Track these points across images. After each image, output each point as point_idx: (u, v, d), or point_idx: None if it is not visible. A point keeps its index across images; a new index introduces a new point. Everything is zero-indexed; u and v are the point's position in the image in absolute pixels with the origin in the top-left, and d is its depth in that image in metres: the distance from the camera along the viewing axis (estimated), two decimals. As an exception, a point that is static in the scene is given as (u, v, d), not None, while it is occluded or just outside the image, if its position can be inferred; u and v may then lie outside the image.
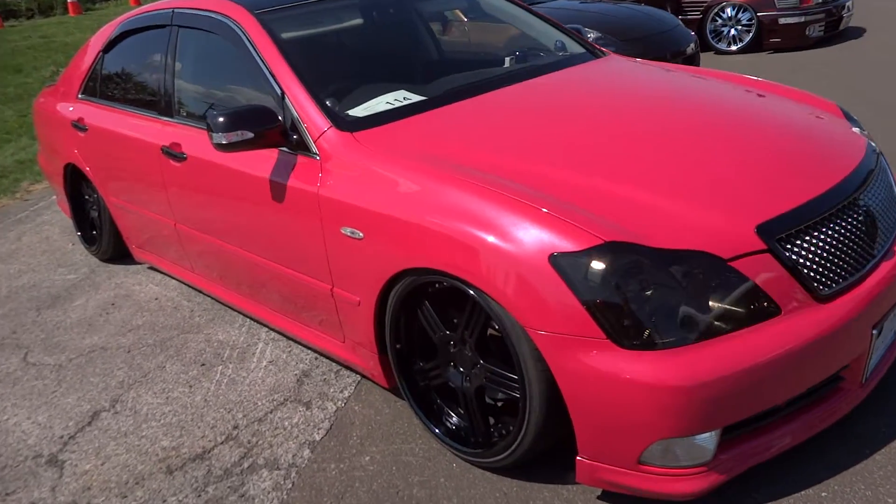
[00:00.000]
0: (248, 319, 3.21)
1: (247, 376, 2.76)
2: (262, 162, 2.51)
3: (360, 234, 2.16)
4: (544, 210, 1.79)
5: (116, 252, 3.99)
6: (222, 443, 2.39)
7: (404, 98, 2.59)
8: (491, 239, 1.81)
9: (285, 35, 2.68)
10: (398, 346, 2.25)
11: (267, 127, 2.36)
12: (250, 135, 2.33)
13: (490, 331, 2.02)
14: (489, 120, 2.37)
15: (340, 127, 2.34)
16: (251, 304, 2.97)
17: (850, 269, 1.88)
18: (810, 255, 1.81)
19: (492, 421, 2.11)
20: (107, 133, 3.46)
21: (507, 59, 3.08)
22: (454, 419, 2.21)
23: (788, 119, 2.34)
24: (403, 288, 2.11)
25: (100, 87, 3.66)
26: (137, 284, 3.74)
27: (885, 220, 2.06)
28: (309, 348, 2.89)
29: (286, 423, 2.44)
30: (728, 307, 1.71)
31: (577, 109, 2.44)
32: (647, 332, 1.66)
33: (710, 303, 1.70)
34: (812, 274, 1.80)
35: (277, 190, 2.44)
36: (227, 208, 2.74)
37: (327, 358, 2.81)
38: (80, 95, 3.81)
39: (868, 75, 6.16)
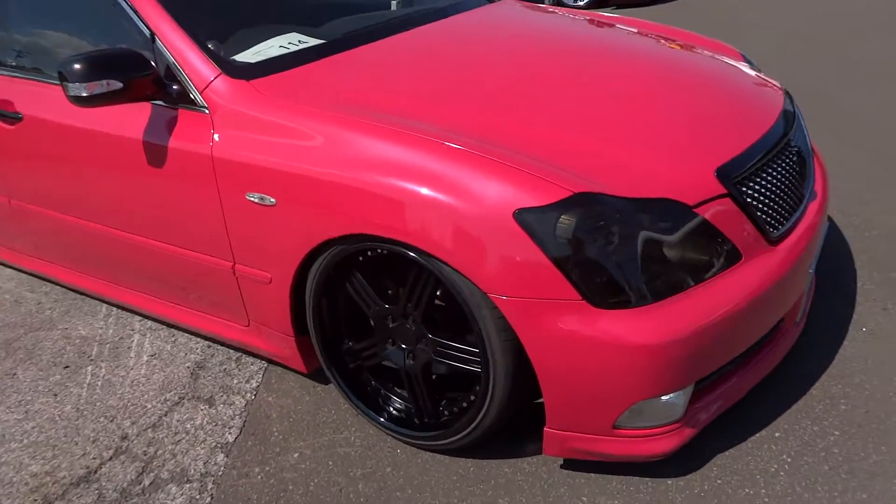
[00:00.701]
0: (113, 308, 2.74)
1: (126, 375, 2.34)
2: (127, 119, 2.09)
3: (272, 200, 1.84)
4: (503, 162, 1.59)
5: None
6: (111, 458, 1.99)
7: (299, 41, 2.25)
8: (443, 197, 1.58)
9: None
10: (322, 326, 1.98)
11: (138, 75, 1.94)
12: (119, 84, 1.90)
13: (435, 300, 1.81)
14: (401, 66, 2.11)
15: (233, 74, 1.97)
16: (119, 290, 2.52)
17: (790, 210, 1.88)
18: (760, 198, 1.77)
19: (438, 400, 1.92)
20: None
21: (394, 3, 2.82)
22: (396, 403, 1.99)
23: (707, 65, 2.31)
24: (330, 259, 1.83)
25: None
26: (-41, 277, 3.09)
27: (808, 160, 2.09)
28: (199, 336, 2.51)
29: (188, 426, 2.09)
30: (697, 257, 1.62)
31: (490, 56, 2.24)
32: (623, 289, 1.54)
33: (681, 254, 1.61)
34: (764, 216, 1.77)
35: (153, 153, 2.03)
36: (84, 178, 2.27)
37: (223, 345, 2.45)
38: None
39: (711, 28, 6.54)
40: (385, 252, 1.76)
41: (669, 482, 1.76)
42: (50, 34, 2.38)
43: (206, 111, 1.95)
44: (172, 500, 1.83)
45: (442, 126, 1.73)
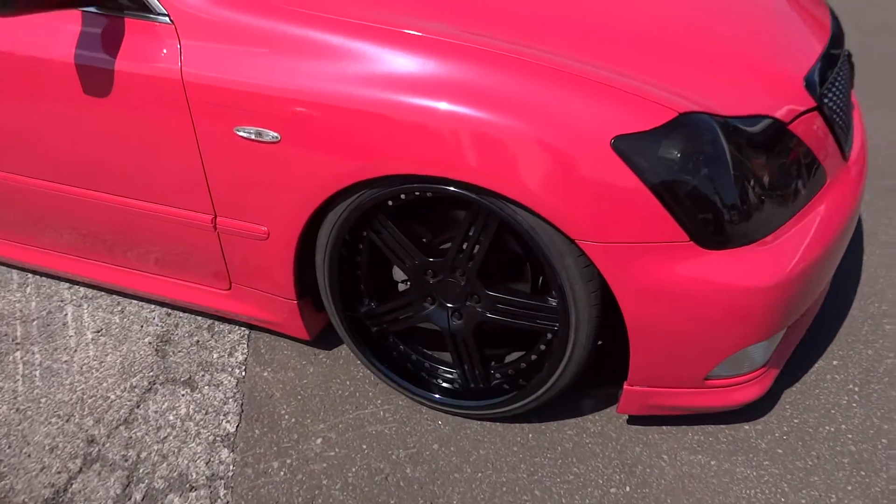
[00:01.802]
0: (29, 276, 2.22)
1: (70, 360, 1.90)
2: (50, 36, 1.57)
3: (275, 136, 1.44)
4: (591, 79, 1.29)
5: None
6: (81, 471, 1.59)
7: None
8: (518, 124, 1.27)
9: None
10: (341, 286, 1.64)
11: (67, -27, 1.44)
12: (44, -12, 1.40)
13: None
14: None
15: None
16: (44, 255, 2.02)
17: (848, 127, 1.72)
18: (837, 110, 1.60)
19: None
20: None
21: None
22: (444, 373, 1.71)
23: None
24: (355, 206, 1.48)
25: None
26: None
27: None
28: (156, 303, 2.08)
29: (171, 418, 1.71)
30: (795, 182, 1.43)
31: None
32: (734, 224, 1.32)
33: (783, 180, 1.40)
34: (841, 131, 1.60)
35: (90, 78, 1.54)
36: (-12, 115, 1.73)
37: (188, 311, 2.04)
38: None
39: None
40: (428, 195, 1.44)
41: (747, 427, 1.62)
42: None
43: (168, 20, 1.48)
44: (179, 515, 1.49)
45: (499, 37, 1.39)
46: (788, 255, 1.36)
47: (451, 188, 1.38)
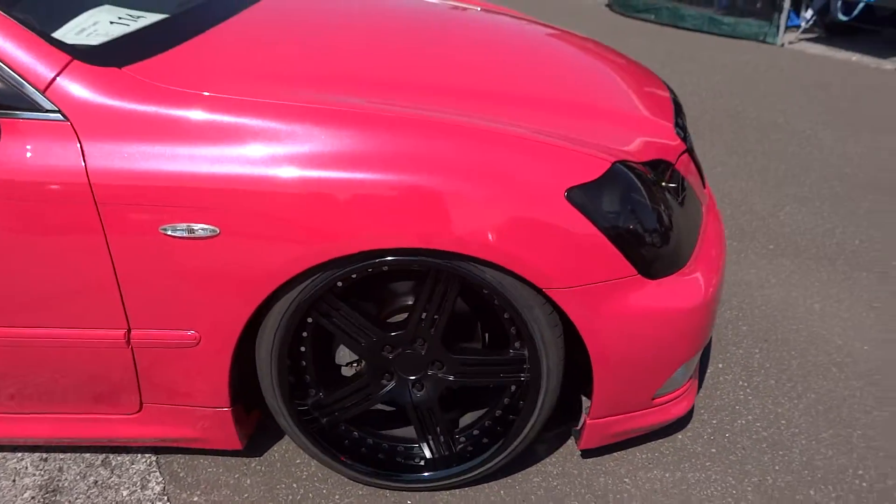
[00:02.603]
0: None
1: (-74, 543, 1.50)
2: None
3: (212, 230, 1.33)
4: (536, 139, 1.40)
5: None
6: None
7: (129, 16, 1.66)
8: (477, 188, 1.33)
9: None
10: (285, 383, 1.52)
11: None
12: None
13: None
14: (289, 47, 1.69)
15: (92, 61, 1.36)
16: None
17: (699, 163, 2.03)
18: (693, 152, 1.88)
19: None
20: None
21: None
22: (420, 451, 1.64)
23: (607, 53, 2.31)
24: (304, 293, 1.40)
25: None
26: None
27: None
28: (18, 449, 1.73)
29: (96, 578, 1.43)
30: (692, 214, 1.66)
31: (373, 32, 1.94)
32: (666, 255, 1.49)
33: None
34: (700, 167, 1.88)
35: (-36, 189, 1.30)
36: None
37: (67, 451, 1.73)
38: None
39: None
40: (383, 270, 1.42)
41: (680, 437, 1.79)
42: None
43: (60, 115, 1.31)
44: None
45: (410, 104, 1.43)
46: (705, 279, 1.56)
47: (416, 258, 1.38)
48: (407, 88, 1.51)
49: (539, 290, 1.41)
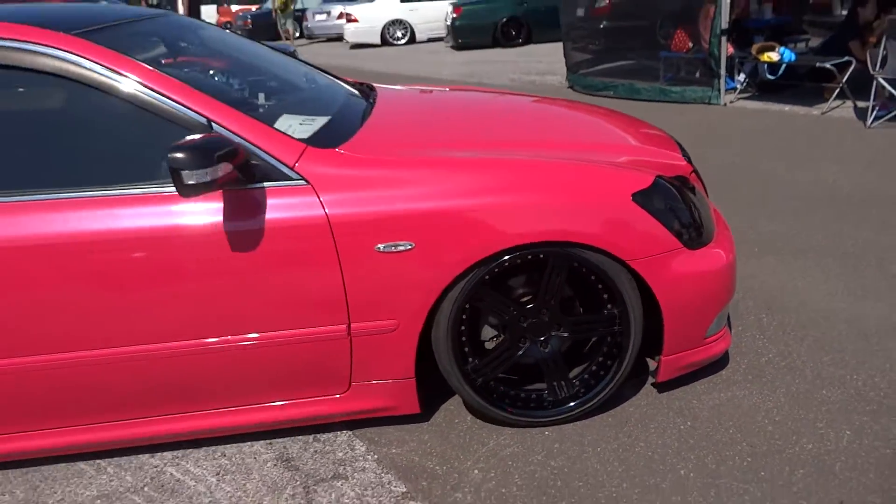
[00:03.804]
0: (97, 461, 2.28)
1: (214, 498, 2.06)
2: (186, 213, 1.97)
3: (409, 245, 2.02)
4: (611, 162, 2.15)
5: None
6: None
7: (305, 120, 2.39)
8: (572, 199, 2.06)
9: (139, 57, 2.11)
10: (461, 353, 2.18)
11: (233, 159, 1.92)
12: (230, 168, 1.87)
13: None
14: (426, 128, 2.45)
15: (317, 145, 2.08)
16: (140, 425, 2.17)
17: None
18: (697, 171, 2.66)
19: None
20: None
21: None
22: (532, 394, 2.29)
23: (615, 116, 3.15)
24: (466, 284, 2.08)
25: None
26: None
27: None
28: (246, 438, 2.31)
29: (348, 501, 2.01)
30: (707, 208, 2.41)
31: (464, 114, 2.73)
32: (701, 233, 2.22)
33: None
34: (702, 181, 2.65)
35: (246, 238, 1.98)
36: (121, 296, 1.98)
37: (281, 436, 2.32)
38: None
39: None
40: (518, 262, 2.11)
41: (723, 372, 2.47)
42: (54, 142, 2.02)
43: (304, 182, 2.01)
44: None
45: (523, 153, 2.19)
46: (728, 245, 2.30)
47: (539, 249, 2.08)
48: (510, 143, 2.27)
49: (623, 263, 2.12)
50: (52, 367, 2.03)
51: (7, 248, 1.92)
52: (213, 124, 2.00)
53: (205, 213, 1.96)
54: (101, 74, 1.98)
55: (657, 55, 7.59)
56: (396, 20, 16.33)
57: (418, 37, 16.48)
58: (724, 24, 6.62)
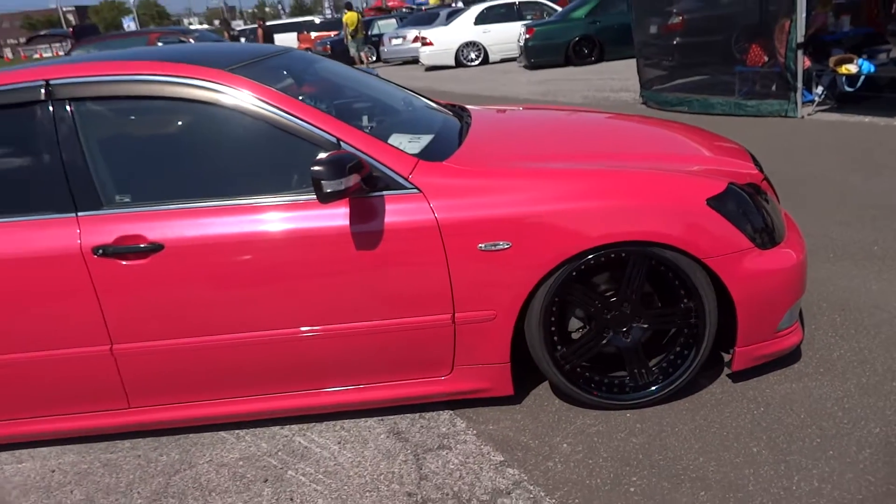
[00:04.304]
0: (237, 430, 2.67)
1: (337, 462, 2.41)
2: (326, 215, 2.34)
3: (506, 244, 2.32)
4: (686, 171, 2.40)
5: None
6: (422, 510, 2.14)
7: (413, 138, 2.74)
8: (654, 203, 2.31)
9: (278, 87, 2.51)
10: (551, 340, 2.46)
11: (361, 171, 2.28)
12: (357, 179, 2.23)
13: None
14: (517, 143, 2.77)
15: (427, 159, 2.42)
16: (275, 399, 2.55)
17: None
18: (769, 180, 2.86)
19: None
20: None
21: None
22: (615, 380, 2.54)
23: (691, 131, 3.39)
24: (559, 278, 2.36)
25: None
26: (-16, 474, 2.59)
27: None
28: (361, 414, 2.66)
29: (452, 467, 2.32)
30: (778, 211, 2.61)
31: (549, 130, 3.03)
32: (772, 234, 2.43)
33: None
34: (773, 187, 2.85)
35: (368, 238, 2.32)
36: (265, 287, 2.36)
37: (390, 413, 2.65)
38: None
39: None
40: (601, 260, 2.38)
41: (796, 365, 2.65)
42: (179, 165, 2.44)
43: (416, 191, 2.35)
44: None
45: (607, 164, 2.46)
46: (798, 246, 2.50)
47: (623, 248, 2.35)
48: (593, 155, 2.55)
49: (698, 261, 2.35)
50: (208, 348, 2.43)
51: (193, 245, 2.34)
52: (341, 143, 2.37)
53: (336, 217, 2.32)
54: (250, 103, 2.39)
55: (732, 70, 7.68)
56: (470, 42, 16.79)
57: (491, 58, 16.88)
58: (800, 38, 6.68)
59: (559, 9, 16.11)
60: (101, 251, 2.34)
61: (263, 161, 2.44)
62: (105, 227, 2.37)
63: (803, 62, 6.84)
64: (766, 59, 7.34)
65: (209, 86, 2.41)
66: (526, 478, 2.24)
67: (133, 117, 2.54)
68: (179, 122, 2.50)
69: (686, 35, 8.72)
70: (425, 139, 2.71)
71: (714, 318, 2.42)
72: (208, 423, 2.60)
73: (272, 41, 23.01)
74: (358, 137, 2.39)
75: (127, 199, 2.42)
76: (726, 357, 2.58)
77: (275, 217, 2.34)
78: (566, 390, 2.51)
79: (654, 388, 2.50)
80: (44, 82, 2.43)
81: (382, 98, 3.30)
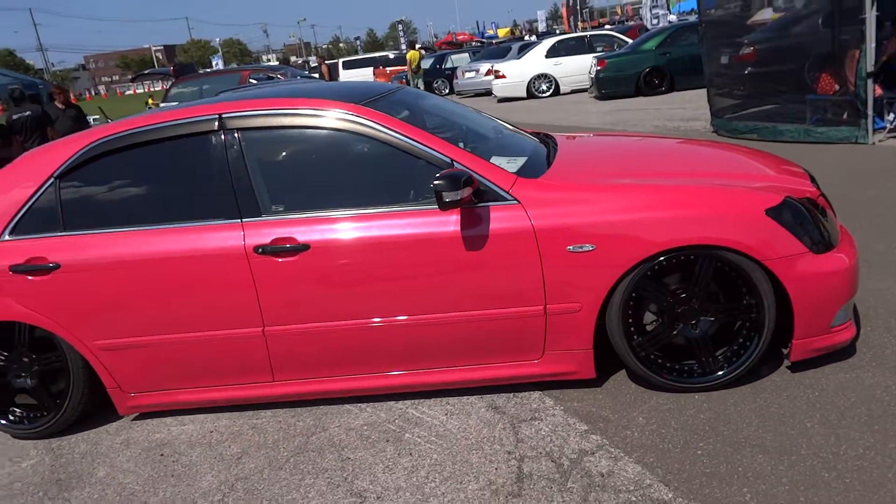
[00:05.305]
0: (361, 403, 3.19)
1: (446, 428, 2.88)
2: (437, 223, 2.84)
3: (591, 247, 2.77)
4: (748, 186, 2.81)
5: (83, 414, 3.28)
6: (521, 468, 2.59)
7: (510, 159, 3.24)
8: (719, 213, 2.72)
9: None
10: (630, 330, 2.88)
11: (473, 185, 2.78)
12: (469, 191, 2.74)
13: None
14: (599, 163, 3.24)
15: (524, 175, 2.92)
16: (394, 377, 3.05)
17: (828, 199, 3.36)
18: (825, 195, 3.22)
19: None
20: (112, 262, 3.02)
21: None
22: (685, 367, 2.94)
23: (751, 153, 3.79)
24: (635, 277, 2.79)
25: (65, 217, 3.13)
26: (168, 432, 3.18)
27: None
28: (461, 393, 3.13)
29: (543, 434, 2.75)
30: (831, 221, 2.97)
31: (626, 152, 3.48)
32: (824, 240, 2.80)
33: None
34: (829, 201, 3.20)
35: (477, 240, 2.82)
36: (391, 281, 2.89)
37: (484, 392, 3.11)
38: (6, 236, 3.15)
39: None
40: (673, 261, 2.80)
41: (850, 359, 2.97)
42: (319, 181, 3.02)
43: (516, 202, 2.84)
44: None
45: (676, 178, 2.89)
46: (850, 252, 2.85)
47: (691, 251, 2.76)
48: (665, 173, 2.99)
49: (758, 262, 2.74)
50: (340, 331, 2.97)
51: (333, 246, 2.90)
52: (454, 162, 2.89)
53: (450, 223, 2.84)
54: (380, 130, 2.94)
55: (802, 98, 7.91)
56: (542, 74, 17.35)
57: (562, 89, 17.37)
58: (870, 67, 6.90)
59: (629, 41, 16.51)
60: (260, 250, 2.93)
61: (389, 177, 2.99)
62: (264, 230, 2.95)
63: (874, 90, 7.03)
64: (836, 87, 7.55)
65: (347, 117, 2.98)
66: (607, 442, 2.65)
67: (286, 142, 3.14)
68: (323, 146, 3.08)
69: (757, 65, 8.98)
70: (521, 160, 3.21)
71: (773, 312, 2.79)
72: (338, 395, 3.13)
73: (338, 78, 24.34)
74: (467, 158, 2.91)
75: (281, 208, 3.00)
76: (785, 351, 2.93)
77: (399, 223, 2.88)
78: (642, 374, 2.92)
79: (720, 372, 2.88)
80: (217, 115, 3.06)
81: (478, 126, 3.83)
